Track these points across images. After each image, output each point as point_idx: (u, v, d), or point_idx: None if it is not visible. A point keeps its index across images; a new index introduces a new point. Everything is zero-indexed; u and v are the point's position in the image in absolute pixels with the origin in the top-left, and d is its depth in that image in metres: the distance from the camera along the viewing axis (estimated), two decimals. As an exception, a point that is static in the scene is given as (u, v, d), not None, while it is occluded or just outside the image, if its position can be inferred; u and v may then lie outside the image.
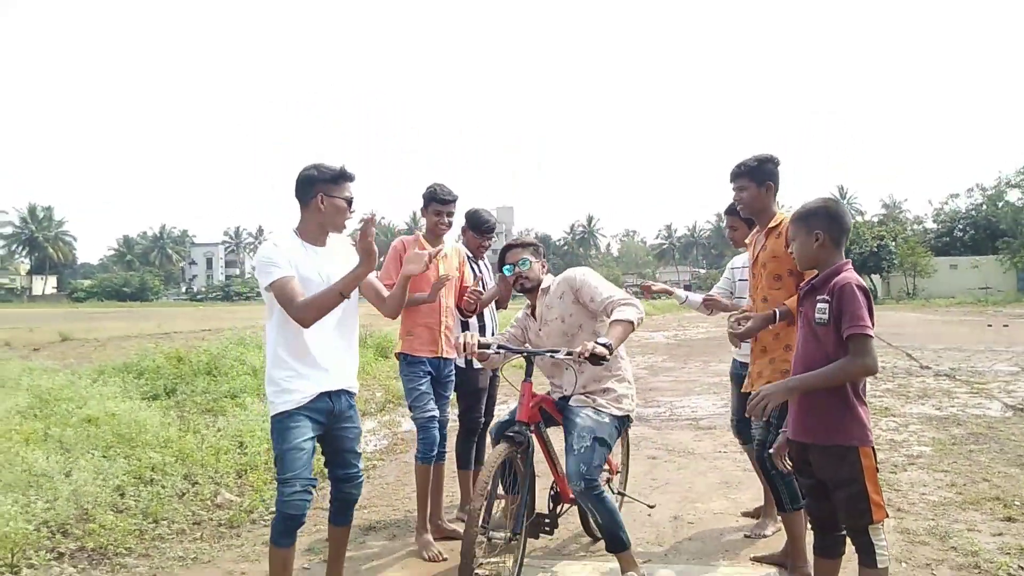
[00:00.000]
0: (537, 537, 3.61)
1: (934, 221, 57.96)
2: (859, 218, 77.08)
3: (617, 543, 3.27)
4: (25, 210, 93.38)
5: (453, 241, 4.46)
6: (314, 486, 2.94)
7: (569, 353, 3.24)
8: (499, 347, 3.48)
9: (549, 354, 3.35)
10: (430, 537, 3.92)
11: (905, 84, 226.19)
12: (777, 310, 3.23)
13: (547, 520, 3.58)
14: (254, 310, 50.95)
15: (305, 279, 2.95)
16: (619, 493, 4.06)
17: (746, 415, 2.86)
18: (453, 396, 4.31)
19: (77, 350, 15.94)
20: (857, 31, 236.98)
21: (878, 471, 2.66)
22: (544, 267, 3.69)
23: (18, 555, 3.64)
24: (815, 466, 2.68)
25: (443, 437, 4.13)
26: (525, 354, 3.42)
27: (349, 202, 3.08)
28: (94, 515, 4.15)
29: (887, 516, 2.70)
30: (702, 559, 3.81)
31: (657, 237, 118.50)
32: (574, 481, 3.21)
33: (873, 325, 2.56)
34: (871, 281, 49.57)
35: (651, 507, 4.42)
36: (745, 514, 4.49)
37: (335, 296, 2.87)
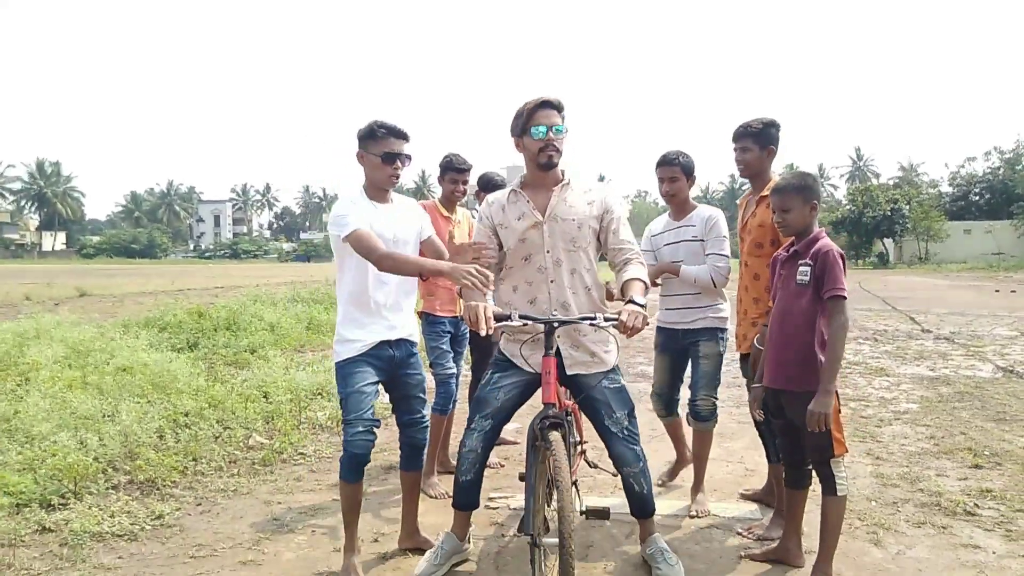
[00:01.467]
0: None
1: (950, 185, 57.46)
2: (874, 180, 76.01)
3: (648, 508, 3.17)
4: (33, 165, 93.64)
5: (464, 209, 4.74)
6: (377, 426, 3.12)
7: (609, 319, 2.88)
8: (521, 316, 2.91)
9: (587, 323, 2.93)
10: (436, 479, 4.31)
11: (929, 45, 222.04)
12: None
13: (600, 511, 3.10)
14: (263, 268, 51.50)
15: (376, 234, 3.07)
16: (592, 464, 3.54)
17: (808, 429, 2.91)
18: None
19: (96, 305, 16.40)
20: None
21: (840, 412, 3.01)
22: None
23: (80, 484, 4.05)
24: (787, 409, 3.06)
25: (452, 390, 4.48)
26: (555, 323, 2.93)
27: (385, 157, 3.09)
28: (139, 453, 4.56)
29: (846, 451, 3.04)
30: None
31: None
32: (631, 464, 3.05)
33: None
34: (883, 245, 49.49)
35: (614, 475, 3.31)
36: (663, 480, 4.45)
37: (415, 269, 3.01)
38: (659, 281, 3.98)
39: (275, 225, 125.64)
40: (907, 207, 48.36)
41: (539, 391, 2.94)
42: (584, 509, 2.98)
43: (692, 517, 3.87)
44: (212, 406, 5.66)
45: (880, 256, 48.88)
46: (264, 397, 6.15)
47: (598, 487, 4.30)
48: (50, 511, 3.81)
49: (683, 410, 4.22)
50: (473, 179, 4.65)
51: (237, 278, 30.66)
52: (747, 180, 3.76)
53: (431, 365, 4.36)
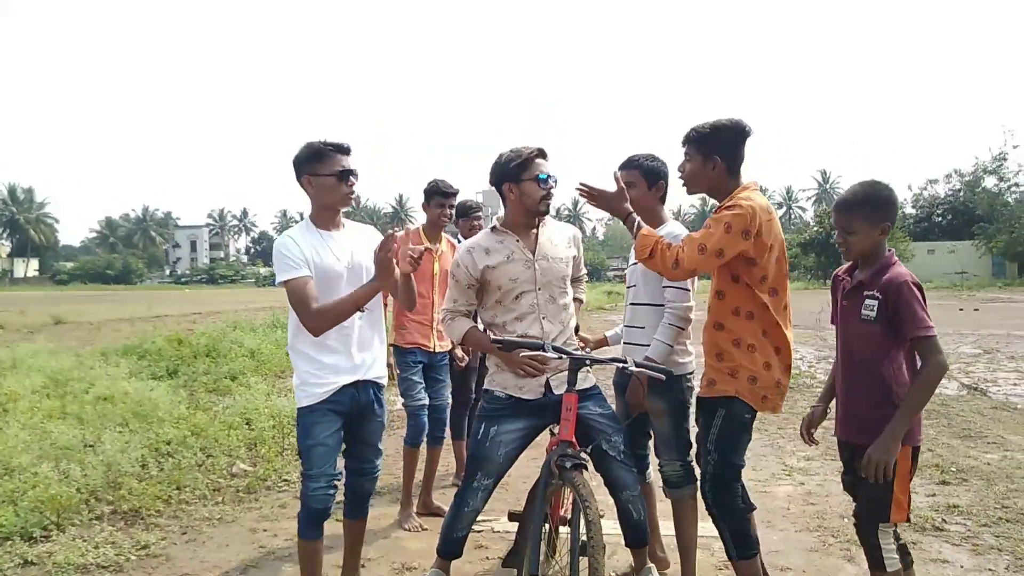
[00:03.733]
0: None
1: (913, 206, 58.88)
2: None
3: (644, 535, 3.01)
4: (5, 191, 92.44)
5: (447, 235, 4.68)
6: (339, 480, 2.95)
7: (639, 365, 2.86)
8: (554, 348, 2.84)
9: (621, 366, 2.91)
10: (412, 511, 4.30)
11: (888, 72, 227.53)
12: (634, 216, 2.96)
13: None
14: (240, 293, 51.05)
15: (327, 268, 2.86)
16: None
17: (863, 476, 2.48)
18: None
19: (73, 333, 16.22)
20: (840, 16, 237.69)
21: (913, 475, 2.57)
22: None
23: (63, 515, 4.06)
24: (858, 463, 2.54)
25: (443, 421, 4.46)
26: (588, 361, 2.93)
27: (339, 175, 2.87)
28: (122, 482, 4.56)
29: (907, 520, 2.58)
30: (667, 516, 4.29)
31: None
32: (631, 488, 2.92)
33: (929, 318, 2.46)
34: (845, 265, 50.23)
35: None
36: None
37: (351, 307, 2.78)
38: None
39: (252, 250, 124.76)
40: (871, 229, 49.08)
41: (536, 438, 3.01)
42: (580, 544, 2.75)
43: None
44: (195, 434, 5.66)
45: (849, 276, 49.69)
46: (247, 424, 6.16)
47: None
48: (32, 544, 3.81)
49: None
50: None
51: (215, 304, 30.43)
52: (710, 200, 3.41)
53: (402, 395, 4.36)
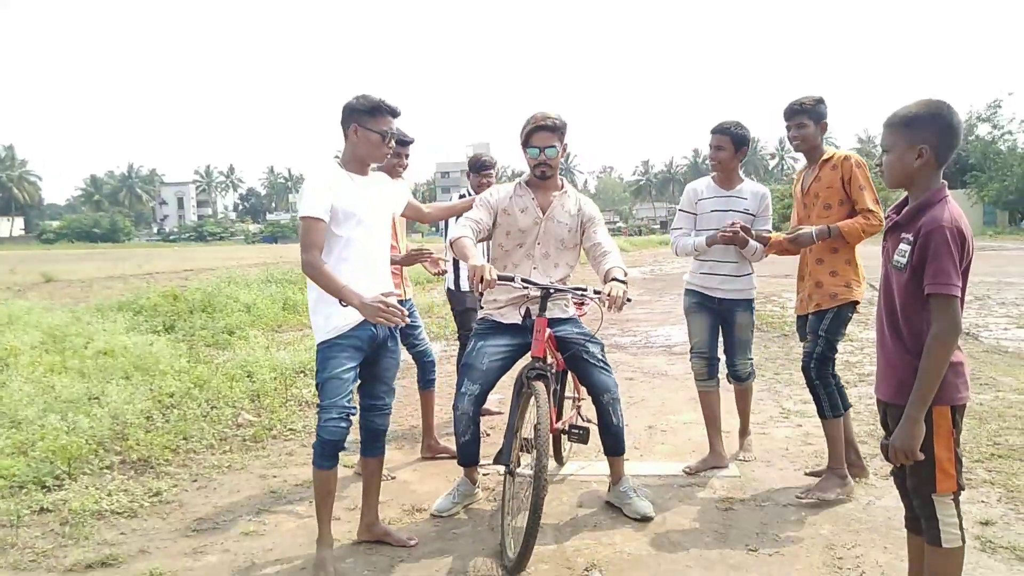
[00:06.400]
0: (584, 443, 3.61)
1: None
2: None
3: (622, 444, 3.57)
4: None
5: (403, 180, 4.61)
6: (353, 413, 3.06)
7: (597, 292, 3.30)
8: (523, 280, 3.32)
9: (579, 293, 3.37)
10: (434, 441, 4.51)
11: (881, 16, 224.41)
12: (827, 227, 3.64)
13: (580, 431, 3.58)
14: (231, 250, 50.81)
15: (346, 209, 3.01)
16: (585, 419, 3.95)
17: (891, 463, 2.33)
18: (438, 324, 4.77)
19: (64, 291, 16.15)
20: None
21: (956, 435, 2.25)
22: (564, 150, 3.57)
23: (73, 465, 4.11)
24: (891, 425, 2.31)
25: (431, 364, 4.53)
26: (551, 290, 3.36)
27: (383, 136, 3.09)
28: (129, 433, 4.61)
29: (958, 489, 2.25)
30: (672, 458, 4.40)
31: (634, 173, 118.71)
32: (610, 390, 3.45)
33: (964, 277, 2.20)
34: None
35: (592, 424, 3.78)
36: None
37: (334, 291, 2.89)
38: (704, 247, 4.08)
39: (240, 207, 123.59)
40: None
41: (520, 360, 3.36)
42: (566, 428, 3.59)
43: (741, 460, 4.29)
44: (198, 386, 5.70)
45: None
46: (248, 377, 6.20)
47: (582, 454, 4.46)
48: (47, 492, 3.86)
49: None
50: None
51: (206, 260, 30.29)
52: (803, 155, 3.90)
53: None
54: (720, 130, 4.08)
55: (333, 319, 3.01)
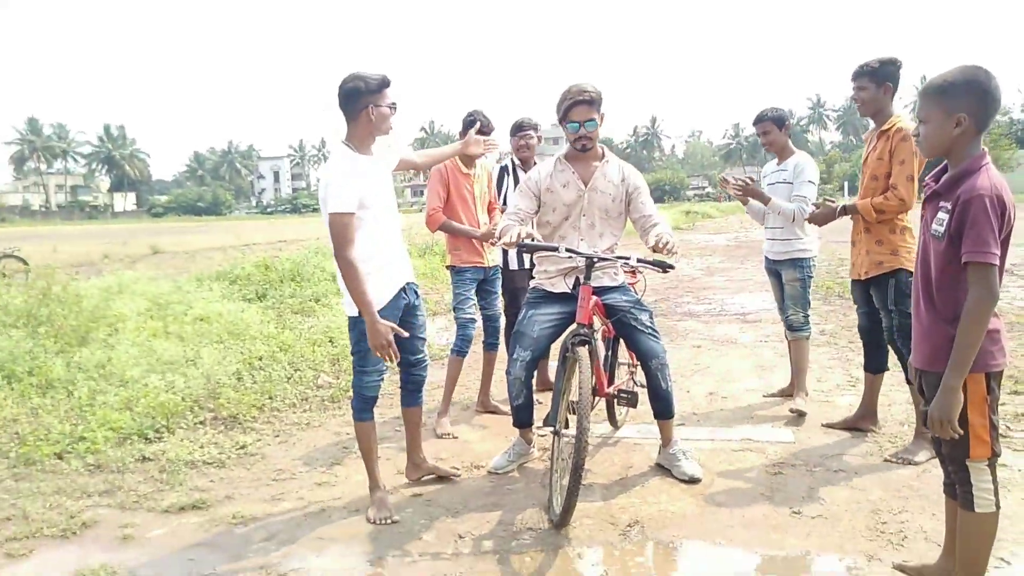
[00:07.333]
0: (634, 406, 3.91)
1: (1022, 111, 54.53)
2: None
3: (671, 408, 3.65)
4: (101, 130, 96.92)
5: (486, 162, 4.84)
6: (386, 372, 3.42)
7: (641, 260, 3.38)
8: (567, 250, 3.39)
9: (623, 261, 3.45)
10: (447, 419, 4.57)
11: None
12: (845, 205, 3.82)
13: (629, 395, 3.84)
14: (321, 222, 52.50)
15: (365, 193, 3.15)
16: (638, 384, 4.06)
17: (934, 435, 2.33)
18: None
19: (170, 261, 17.28)
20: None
21: (990, 402, 2.26)
22: (602, 120, 3.59)
23: (171, 420, 4.54)
24: (927, 393, 2.35)
25: (496, 329, 4.82)
26: (595, 259, 3.43)
27: (393, 107, 3.25)
28: (221, 392, 5.02)
29: (993, 455, 2.27)
30: (729, 424, 4.46)
31: (724, 137, 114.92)
32: (659, 356, 3.52)
33: (1005, 246, 2.21)
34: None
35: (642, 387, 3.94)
36: (769, 395, 4.99)
37: (357, 298, 3.09)
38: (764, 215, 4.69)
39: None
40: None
41: (571, 328, 3.45)
42: (615, 393, 3.80)
43: (792, 412, 4.48)
44: (283, 350, 6.11)
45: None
46: (329, 342, 6.58)
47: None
48: (148, 443, 4.29)
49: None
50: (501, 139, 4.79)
51: (298, 232, 31.56)
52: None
53: (454, 309, 4.67)
54: (759, 119, 4.64)
55: (378, 295, 3.20)
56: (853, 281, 4.07)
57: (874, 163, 3.81)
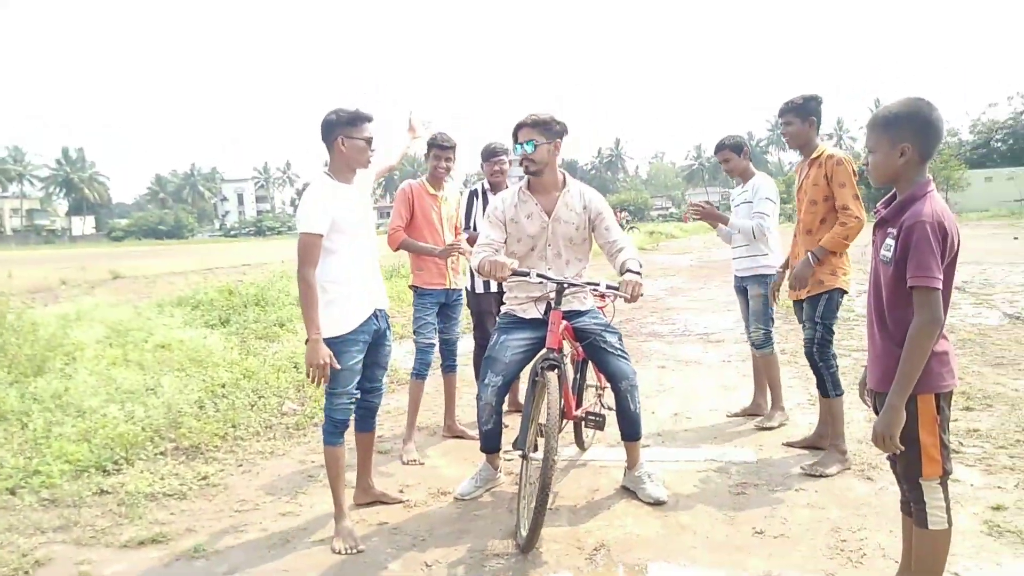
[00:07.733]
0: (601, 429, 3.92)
1: (970, 132, 56.52)
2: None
3: (638, 430, 3.68)
4: (60, 153, 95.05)
5: (457, 185, 4.98)
6: (357, 396, 3.46)
7: (609, 286, 3.44)
8: (538, 275, 3.45)
9: (591, 288, 3.55)
10: (412, 446, 4.51)
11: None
12: (810, 252, 3.94)
13: (597, 418, 3.84)
14: (287, 244, 52.09)
15: (339, 218, 3.28)
16: (605, 406, 3.97)
17: (881, 451, 2.39)
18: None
19: (130, 287, 16.95)
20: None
21: (940, 421, 2.33)
22: (557, 148, 3.62)
23: (131, 451, 4.44)
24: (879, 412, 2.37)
25: (453, 352, 4.83)
26: (566, 284, 3.50)
27: (368, 141, 3.36)
28: (182, 422, 4.93)
29: (943, 474, 2.33)
30: (693, 444, 4.51)
31: (686, 158, 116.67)
32: (628, 377, 3.57)
33: (950, 270, 2.28)
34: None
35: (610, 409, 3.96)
36: (732, 415, 5.09)
37: (308, 318, 3.18)
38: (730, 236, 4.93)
39: (297, 201, 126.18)
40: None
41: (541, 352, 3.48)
42: (583, 415, 3.81)
43: (757, 427, 4.75)
44: (246, 377, 6.03)
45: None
46: (294, 367, 6.51)
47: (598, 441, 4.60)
48: (106, 475, 4.20)
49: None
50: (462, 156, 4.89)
51: (262, 255, 31.22)
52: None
53: (414, 332, 4.67)
54: (719, 148, 4.90)
55: (348, 318, 3.34)
56: (795, 302, 4.21)
57: (811, 189, 3.99)
